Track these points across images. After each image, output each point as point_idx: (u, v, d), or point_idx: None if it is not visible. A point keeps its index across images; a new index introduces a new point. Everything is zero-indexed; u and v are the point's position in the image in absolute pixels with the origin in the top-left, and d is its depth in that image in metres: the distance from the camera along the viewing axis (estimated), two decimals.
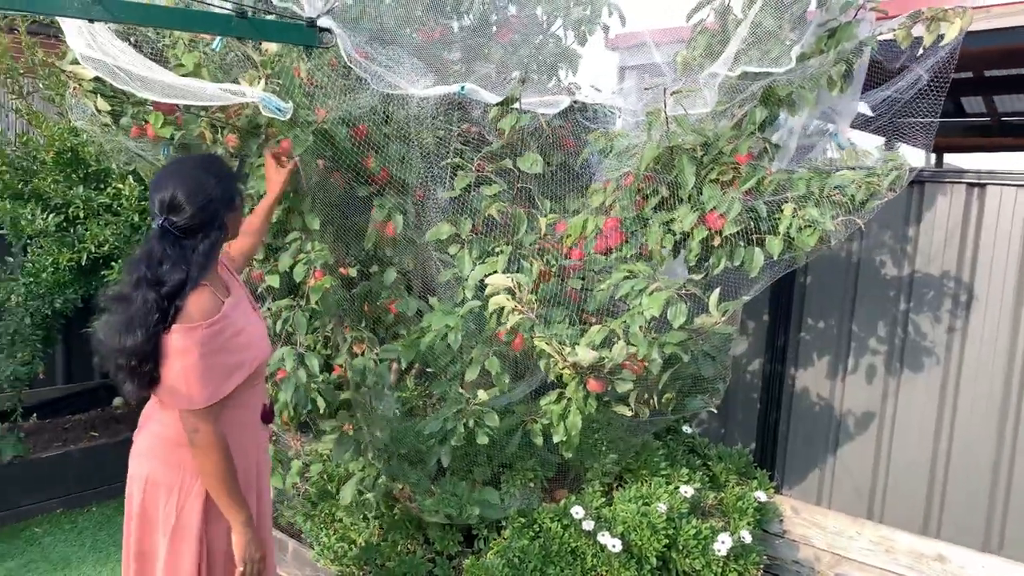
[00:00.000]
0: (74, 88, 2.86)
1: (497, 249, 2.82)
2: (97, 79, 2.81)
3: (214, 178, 2.10)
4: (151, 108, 2.97)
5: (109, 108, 2.84)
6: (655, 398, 3.44)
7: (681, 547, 3.33)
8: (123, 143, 3.28)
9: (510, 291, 2.53)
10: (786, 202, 2.77)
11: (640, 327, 2.68)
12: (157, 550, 2.17)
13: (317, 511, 3.71)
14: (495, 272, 2.69)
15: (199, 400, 2.00)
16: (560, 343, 2.53)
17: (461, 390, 3.14)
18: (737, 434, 4.43)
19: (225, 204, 2.11)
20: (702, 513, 3.79)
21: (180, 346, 1.97)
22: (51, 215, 4.26)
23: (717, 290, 2.67)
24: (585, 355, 2.56)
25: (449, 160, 2.90)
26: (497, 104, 2.75)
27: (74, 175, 4.44)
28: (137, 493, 2.16)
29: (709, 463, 4.20)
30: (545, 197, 3.33)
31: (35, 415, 5.03)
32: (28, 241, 4.42)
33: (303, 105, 2.93)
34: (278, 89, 2.67)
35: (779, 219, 2.75)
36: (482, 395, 2.98)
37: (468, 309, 2.78)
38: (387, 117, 3.06)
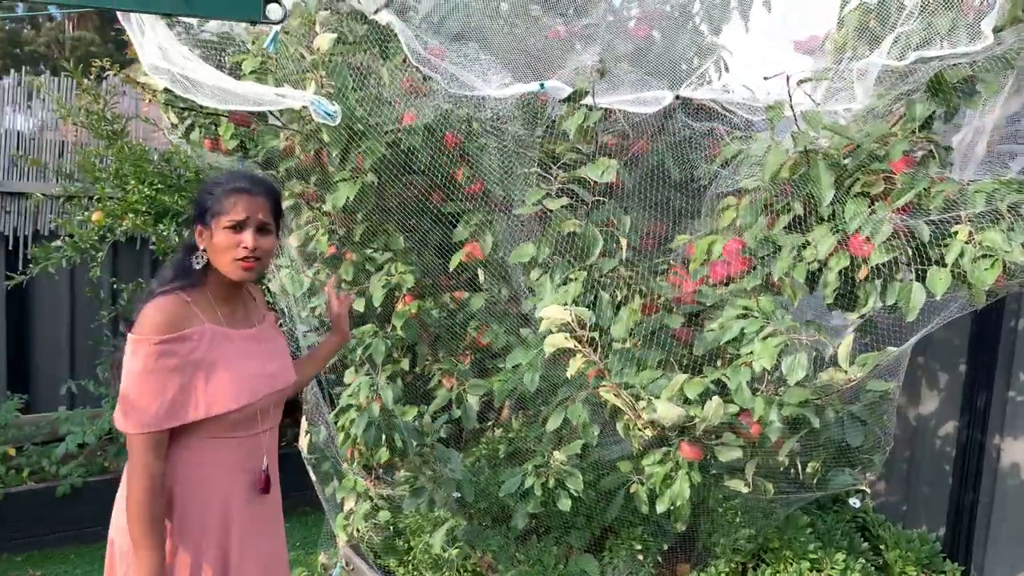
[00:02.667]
0: (149, 100, 2.76)
1: (571, 276, 2.33)
2: (167, 91, 2.69)
3: (198, 194, 1.96)
4: (225, 119, 2.81)
5: (177, 121, 2.71)
6: (798, 469, 2.78)
7: None
8: (216, 160, 3.18)
9: (570, 328, 2.04)
10: (958, 222, 2.07)
11: (747, 380, 2.09)
12: None
13: (410, 556, 3.38)
14: (565, 304, 2.20)
15: (129, 422, 1.76)
16: (634, 396, 2.01)
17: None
18: (922, 514, 3.57)
19: (196, 215, 1.93)
20: None
21: (127, 356, 1.78)
22: (189, 232, 4.31)
23: (849, 337, 2.03)
24: (667, 412, 2.02)
25: (530, 170, 2.47)
26: (564, 100, 2.29)
27: None
28: (108, 546, 1.97)
29: (882, 547, 3.40)
30: (663, 216, 2.81)
31: None
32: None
33: (373, 112, 2.64)
34: (332, 92, 2.39)
35: (947, 245, 2.06)
36: (558, 455, 2.49)
37: (548, 346, 2.32)
38: (468, 123, 2.70)
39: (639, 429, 2.08)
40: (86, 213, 4.42)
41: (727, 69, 3.53)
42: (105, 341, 4.87)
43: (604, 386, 2.03)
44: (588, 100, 2.27)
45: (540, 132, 2.42)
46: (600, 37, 3.34)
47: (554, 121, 2.48)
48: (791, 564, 3.03)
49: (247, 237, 1.87)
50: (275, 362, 2.05)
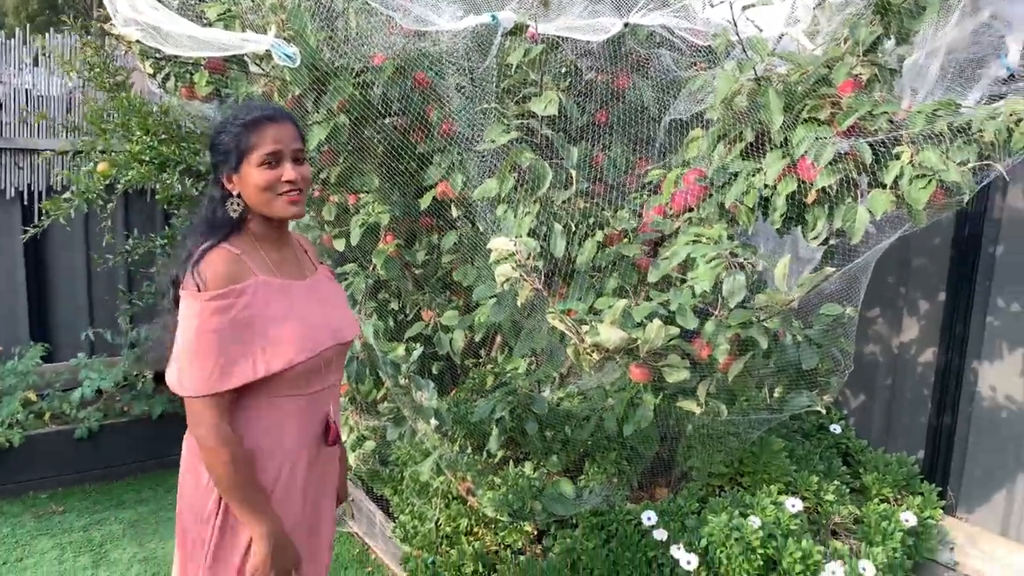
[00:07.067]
0: (125, 51, 2.84)
1: (525, 211, 2.40)
2: (140, 41, 2.76)
3: (215, 138, 1.75)
4: (202, 67, 2.89)
5: (152, 72, 2.79)
6: (764, 392, 2.86)
7: (784, 571, 2.74)
8: (199, 109, 3.26)
9: (516, 259, 2.11)
10: (900, 143, 2.10)
11: (690, 303, 2.16)
12: (198, 570, 1.84)
13: (403, 486, 3.53)
14: (520, 236, 2.28)
15: (193, 386, 1.62)
16: (578, 320, 2.09)
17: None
18: (902, 439, 3.63)
19: (218, 160, 1.73)
20: (833, 532, 3.13)
21: (182, 315, 1.65)
22: (191, 180, 4.43)
23: (785, 259, 2.07)
24: (610, 335, 2.10)
25: (489, 105, 2.52)
26: (509, 33, 2.32)
27: None
28: (179, 499, 1.87)
29: (861, 471, 3.48)
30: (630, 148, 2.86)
31: None
32: (175, 207, 4.63)
33: (339, 53, 2.71)
34: (291, 35, 2.45)
35: (888, 167, 2.09)
36: (522, 383, 2.60)
37: (498, 277, 2.41)
38: (437, 61, 2.75)
39: (587, 353, 2.16)
40: (92, 164, 4.55)
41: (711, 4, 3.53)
42: (122, 294, 5.07)
43: (550, 312, 2.11)
44: (534, 30, 2.31)
45: (492, 65, 2.45)
46: None
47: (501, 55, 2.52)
48: (765, 486, 3.12)
49: (286, 170, 1.70)
50: (336, 313, 1.89)
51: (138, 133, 4.70)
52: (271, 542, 1.71)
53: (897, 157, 2.11)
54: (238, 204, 1.73)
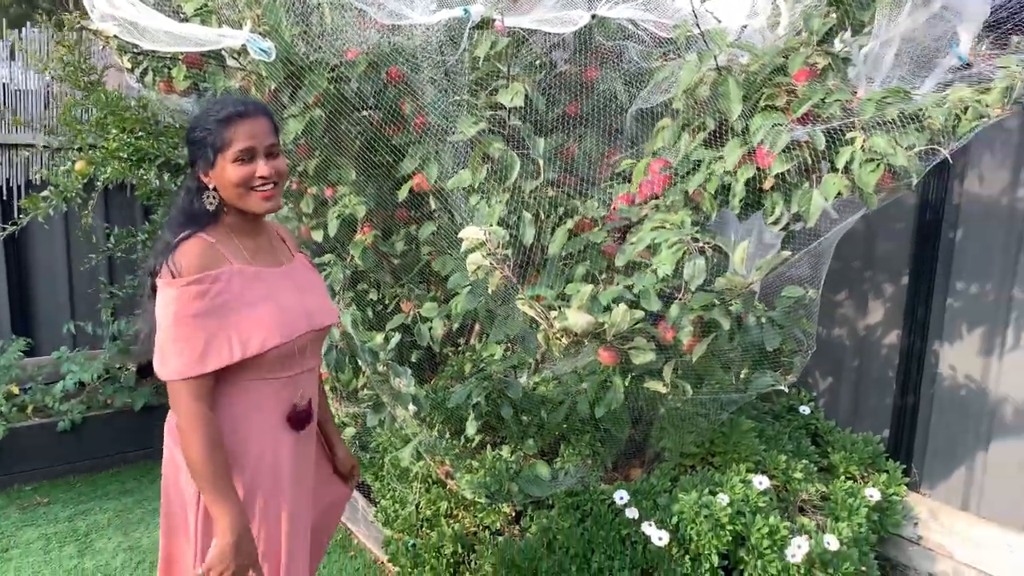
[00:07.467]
0: (103, 47, 2.88)
1: (496, 200, 2.47)
2: (118, 36, 2.80)
3: (190, 133, 1.80)
4: (179, 62, 2.93)
5: (130, 66, 2.83)
6: (731, 374, 2.94)
7: (752, 547, 2.84)
8: (177, 103, 3.31)
9: (486, 247, 2.18)
10: (853, 129, 2.18)
11: (654, 287, 2.24)
12: (184, 557, 1.89)
13: (384, 471, 3.60)
14: (491, 225, 2.35)
15: (173, 369, 1.68)
16: (547, 306, 2.16)
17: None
18: (868, 419, 3.74)
19: (194, 156, 1.79)
20: (800, 509, 3.23)
21: (160, 302, 1.71)
22: (169, 175, 4.46)
23: (744, 243, 2.16)
24: (577, 319, 2.17)
25: (463, 97, 2.59)
26: (476, 27, 2.39)
27: None
28: (163, 487, 1.92)
29: (829, 450, 3.58)
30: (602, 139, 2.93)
31: None
32: (155, 202, 4.66)
33: (314, 47, 2.76)
34: (267, 30, 2.51)
35: (839, 153, 2.18)
36: (496, 368, 2.67)
37: (470, 265, 2.48)
38: (411, 56, 2.80)
39: (556, 338, 2.24)
40: (70, 163, 4.57)
41: None
42: (103, 287, 5.10)
43: (520, 299, 2.18)
44: (501, 23, 2.37)
45: (464, 59, 2.51)
46: None
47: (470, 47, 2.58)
48: (735, 465, 3.22)
49: (259, 166, 1.75)
50: (312, 300, 1.94)
51: (114, 131, 4.73)
52: (234, 536, 1.71)
53: (850, 142, 2.20)
54: (214, 197, 1.79)
